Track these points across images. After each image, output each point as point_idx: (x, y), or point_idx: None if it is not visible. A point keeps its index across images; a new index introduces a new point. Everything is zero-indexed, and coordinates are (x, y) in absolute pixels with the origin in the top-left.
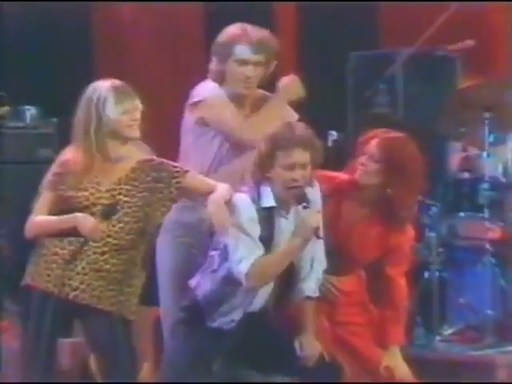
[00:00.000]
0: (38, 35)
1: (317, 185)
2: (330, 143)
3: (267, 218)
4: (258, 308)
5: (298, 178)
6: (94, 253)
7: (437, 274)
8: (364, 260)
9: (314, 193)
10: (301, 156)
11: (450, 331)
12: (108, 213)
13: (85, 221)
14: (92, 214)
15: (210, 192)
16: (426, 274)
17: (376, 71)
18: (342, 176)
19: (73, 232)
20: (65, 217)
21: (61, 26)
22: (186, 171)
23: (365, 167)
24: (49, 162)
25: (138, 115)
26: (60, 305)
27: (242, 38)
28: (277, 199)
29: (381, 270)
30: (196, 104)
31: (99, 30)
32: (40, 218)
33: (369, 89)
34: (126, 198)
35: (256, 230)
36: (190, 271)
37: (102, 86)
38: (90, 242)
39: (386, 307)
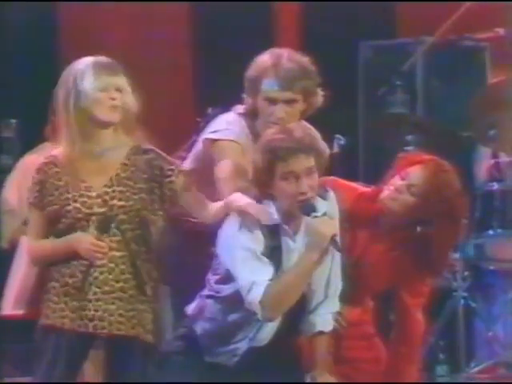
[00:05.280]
0: None
1: (332, 196)
2: (336, 149)
3: (271, 237)
4: (264, 342)
5: (305, 189)
6: (101, 273)
7: (462, 302)
8: (376, 287)
9: (329, 205)
10: (304, 163)
11: (477, 368)
12: (105, 225)
13: (81, 241)
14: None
15: (204, 207)
16: (450, 302)
17: (391, 64)
18: (362, 189)
19: (77, 255)
20: (62, 241)
21: (23, 20)
22: (181, 170)
23: (398, 194)
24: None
25: (115, 95)
26: (76, 341)
27: (269, 71)
28: (282, 215)
29: (395, 301)
30: (210, 140)
31: (66, 26)
32: (40, 245)
33: (383, 85)
34: (120, 203)
35: (260, 247)
36: None
37: (84, 60)
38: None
39: (399, 343)
